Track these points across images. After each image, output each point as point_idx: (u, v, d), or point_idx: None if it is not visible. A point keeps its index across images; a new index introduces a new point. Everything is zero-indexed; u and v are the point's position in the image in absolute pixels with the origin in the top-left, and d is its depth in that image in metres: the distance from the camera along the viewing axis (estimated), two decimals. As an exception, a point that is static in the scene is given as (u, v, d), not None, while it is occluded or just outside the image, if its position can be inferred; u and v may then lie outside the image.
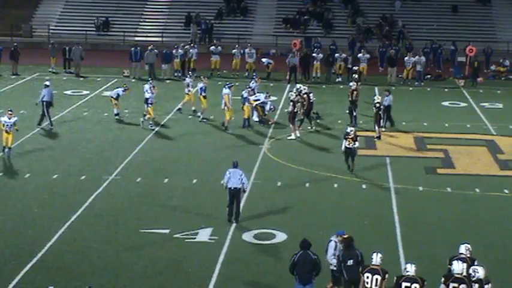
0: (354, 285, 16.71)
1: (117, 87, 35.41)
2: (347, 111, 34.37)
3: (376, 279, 15.97)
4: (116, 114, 34.68)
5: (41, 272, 19.27)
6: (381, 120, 32.27)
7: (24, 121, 33.83)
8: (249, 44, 46.50)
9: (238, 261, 20.14)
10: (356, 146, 27.18)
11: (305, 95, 33.14)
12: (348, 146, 27.13)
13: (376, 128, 31.95)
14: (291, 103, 32.16)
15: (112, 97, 34.69)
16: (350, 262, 17.06)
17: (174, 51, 44.60)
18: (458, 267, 15.79)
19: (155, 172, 27.39)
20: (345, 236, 17.55)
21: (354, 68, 41.51)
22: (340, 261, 17.21)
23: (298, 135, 31.94)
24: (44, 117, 33.19)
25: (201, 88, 34.47)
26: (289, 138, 31.86)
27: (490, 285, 15.68)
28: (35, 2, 59.26)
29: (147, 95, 33.21)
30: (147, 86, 33.79)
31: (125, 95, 35.10)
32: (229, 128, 32.73)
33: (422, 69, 44.49)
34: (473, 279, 15.61)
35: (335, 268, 17.47)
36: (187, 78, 36.13)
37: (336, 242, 17.81)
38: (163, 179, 26.66)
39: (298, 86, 34.89)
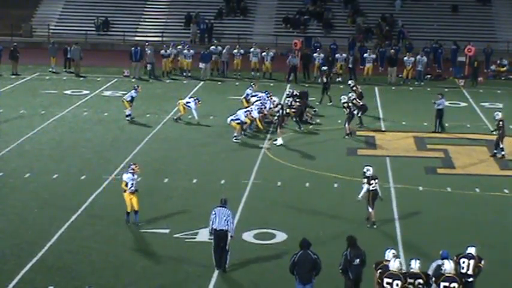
0: (357, 285, 16.67)
1: (131, 90, 34.85)
2: (359, 115, 33.70)
3: (397, 284, 15.83)
4: (128, 115, 34.49)
5: (41, 272, 19.27)
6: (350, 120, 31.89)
7: (24, 121, 33.94)
8: (254, 44, 46.49)
9: (238, 261, 20.12)
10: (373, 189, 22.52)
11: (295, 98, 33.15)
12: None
13: (346, 125, 31.78)
14: (279, 106, 31.89)
15: (126, 100, 34.35)
16: (357, 261, 17.08)
17: (169, 50, 44.53)
18: (449, 266, 15.83)
19: (155, 172, 27.37)
20: (349, 236, 17.49)
21: (324, 68, 40.52)
22: (348, 261, 17.13)
23: (281, 142, 30.81)
24: None
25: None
26: (275, 142, 31.07)
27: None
28: (35, 2, 59.24)
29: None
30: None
31: (138, 94, 34.76)
32: (246, 130, 32.32)
33: (423, 69, 44.44)
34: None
35: None
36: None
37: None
38: (163, 179, 26.64)
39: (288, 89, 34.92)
